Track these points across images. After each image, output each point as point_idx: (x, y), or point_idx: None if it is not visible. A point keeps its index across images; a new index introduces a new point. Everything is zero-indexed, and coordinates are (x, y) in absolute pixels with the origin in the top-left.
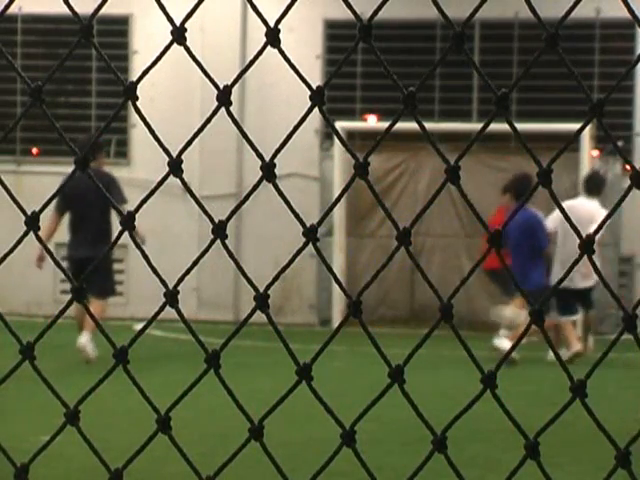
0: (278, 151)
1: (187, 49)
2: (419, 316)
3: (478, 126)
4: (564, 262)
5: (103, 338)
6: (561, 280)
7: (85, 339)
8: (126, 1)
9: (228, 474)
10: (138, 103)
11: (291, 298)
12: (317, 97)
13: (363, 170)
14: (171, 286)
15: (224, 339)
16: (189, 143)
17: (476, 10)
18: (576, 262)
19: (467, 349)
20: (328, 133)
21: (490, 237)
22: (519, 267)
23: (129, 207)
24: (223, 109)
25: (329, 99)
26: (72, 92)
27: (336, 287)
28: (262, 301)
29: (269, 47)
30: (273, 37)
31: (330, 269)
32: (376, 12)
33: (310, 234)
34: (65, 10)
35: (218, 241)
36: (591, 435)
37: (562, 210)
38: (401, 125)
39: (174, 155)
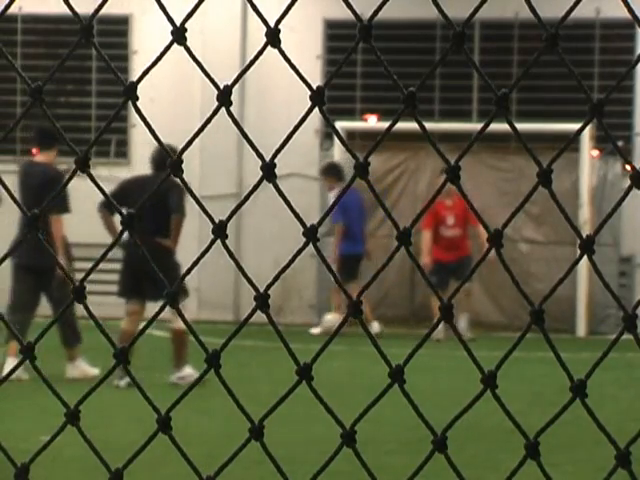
0: (278, 151)
1: (187, 49)
2: (419, 316)
3: (478, 126)
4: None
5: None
6: (559, 283)
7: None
8: (126, 1)
9: (228, 474)
10: (138, 103)
11: (291, 298)
12: (317, 97)
13: (363, 170)
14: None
15: (224, 339)
16: (189, 143)
17: (476, 10)
18: (576, 262)
19: (467, 349)
20: (328, 133)
21: (490, 236)
22: (355, 237)
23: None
24: (223, 109)
25: (329, 99)
26: (72, 92)
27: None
28: (262, 301)
29: (269, 47)
30: (273, 37)
31: (330, 269)
32: (376, 12)
33: (310, 234)
34: (65, 10)
35: (218, 241)
36: (591, 435)
37: (562, 210)
38: (401, 125)
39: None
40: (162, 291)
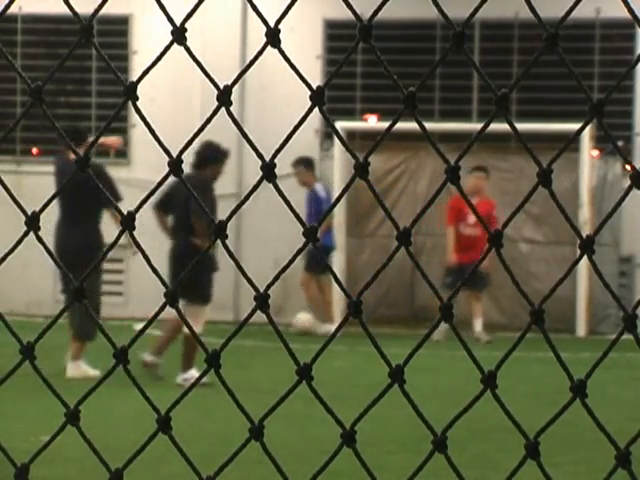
0: (278, 151)
1: (187, 49)
2: (419, 316)
3: (478, 126)
4: None
5: (104, 338)
6: (559, 283)
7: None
8: (126, 1)
9: (228, 474)
10: (138, 103)
11: (291, 298)
12: (317, 97)
13: (363, 170)
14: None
15: (224, 339)
16: (189, 143)
17: (476, 10)
18: (576, 262)
19: (467, 349)
20: (328, 133)
21: (490, 237)
22: (332, 231)
23: (129, 207)
24: (223, 109)
25: (329, 99)
26: (72, 92)
27: (336, 287)
28: (262, 301)
29: (269, 47)
30: (273, 37)
31: (330, 269)
32: (376, 12)
33: (310, 234)
34: (65, 10)
35: (218, 241)
36: (591, 435)
37: (562, 210)
38: (401, 125)
39: (174, 155)
40: (188, 291)
